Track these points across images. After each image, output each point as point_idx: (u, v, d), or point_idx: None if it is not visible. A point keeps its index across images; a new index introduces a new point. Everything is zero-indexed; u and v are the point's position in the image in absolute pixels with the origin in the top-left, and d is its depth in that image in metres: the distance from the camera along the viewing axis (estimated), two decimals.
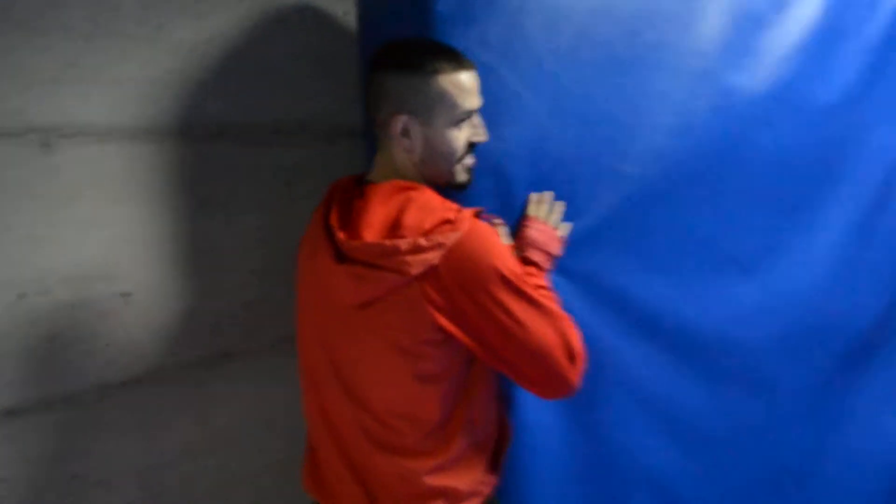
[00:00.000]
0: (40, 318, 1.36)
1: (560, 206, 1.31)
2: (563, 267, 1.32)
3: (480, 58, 1.21)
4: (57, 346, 1.38)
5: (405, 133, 1.13)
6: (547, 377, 1.11)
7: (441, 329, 1.07)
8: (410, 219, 1.06)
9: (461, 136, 1.14)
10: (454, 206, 1.10)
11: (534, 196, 1.30)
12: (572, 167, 1.31)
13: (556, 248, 1.28)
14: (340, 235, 1.10)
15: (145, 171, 1.44)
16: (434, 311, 1.06)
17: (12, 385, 1.35)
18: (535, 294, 1.09)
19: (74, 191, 1.36)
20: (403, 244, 1.04)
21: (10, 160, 1.29)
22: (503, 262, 1.07)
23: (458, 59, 1.12)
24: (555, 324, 1.09)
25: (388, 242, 1.05)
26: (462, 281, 1.05)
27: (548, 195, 1.31)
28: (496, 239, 1.10)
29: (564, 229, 1.32)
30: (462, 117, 1.13)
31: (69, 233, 1.36)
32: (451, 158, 1.15)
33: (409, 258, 1.04)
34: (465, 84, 1.12)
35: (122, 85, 1.38)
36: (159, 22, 1.42)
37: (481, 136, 1.18)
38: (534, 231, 1.27)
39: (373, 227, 1.07)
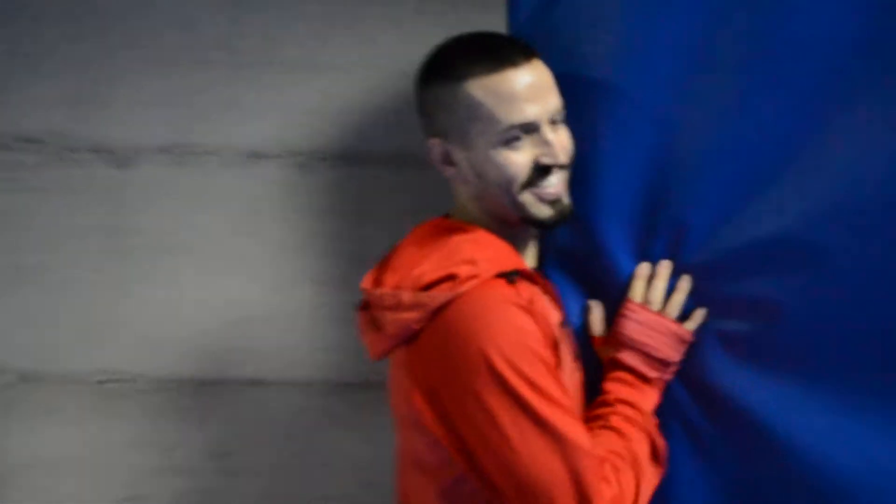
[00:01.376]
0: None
1: (684, 286, 0.94)
2: None
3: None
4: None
5: (447, 161, 0.91)
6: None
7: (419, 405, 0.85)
8: (420, 268, 0.85)
9: (517, 159, 0.86)
10: (487, 262, 0.85)
11: (642, 268, 0.95)
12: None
13: (669, 350, 0.92)
14: (367, 276, 0.94)
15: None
16: (411, 383, 0.86)
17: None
18: (542, 407, 0.79)
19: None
20: (387, 297, 0.86)
21: (214, 172, 1.37)
22: (500, 349, 0.79)
23: (498, 56, 0.85)
24: (564, 453, 0.78)
25: (376, 292, 0.88)
26: (442, 360, 0.82)
27: (664, 268, 0.95)
28: (508, 314, 0.82)
29: (694, 320, 0.94)
30: (510, 136, 0.85)
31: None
32: (508, 188, 0.87)
33: (388, 315, 0.86)
34: (507, 89, 0.84)
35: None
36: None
37: (552, 155, 0.87)
38: (632, 323, 0.93)
39: (396, 271, 0.88)
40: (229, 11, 1.33)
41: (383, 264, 0.92)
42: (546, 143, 0.86)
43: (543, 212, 0.89)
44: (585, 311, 0.99)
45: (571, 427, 0.80)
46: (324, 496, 1.42)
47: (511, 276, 0.85)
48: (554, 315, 0.92)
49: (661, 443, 0.91)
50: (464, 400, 0.80)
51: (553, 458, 0.78)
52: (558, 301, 0.96)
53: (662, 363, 0.92)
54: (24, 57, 1.36)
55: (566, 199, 0.91)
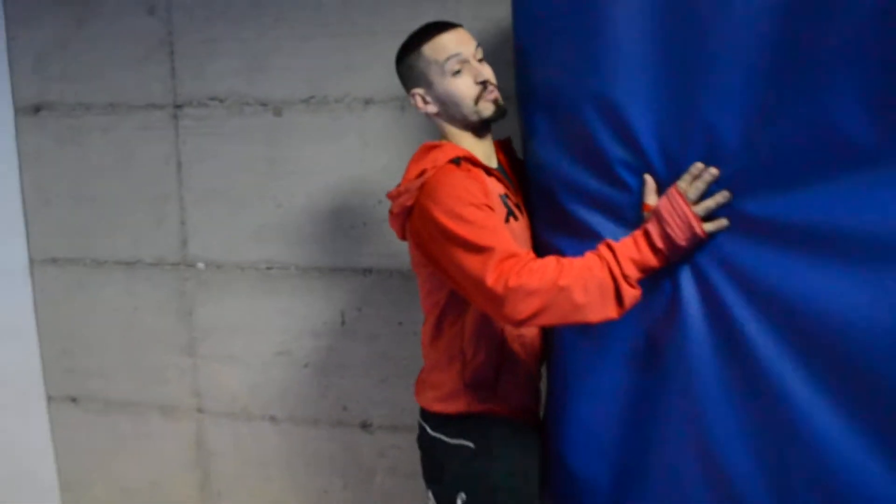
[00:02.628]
0: None
1: (720, 197, 1.11)
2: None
3: None
4: None
5: (424, 102, 1.35)
6: (483, 303, 1.19)
7: (417, 254, 1.32)
8: (411, 171, 1.32)
9: (462, 82, 1.30)
10: (444, 157, 1.28)
11: (696, 167, 1.13)
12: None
13: (682, 235, 1.12)
14: None
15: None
16: (412, 239, 1.31)
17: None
18: (470, 234, 1.17)
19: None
20: (394, 191, 1.32)
21: (340, 115, 1.93)
22: (440, 205, 1.21)
23: (435, 28, 1.32)
24: (489, 257, 1.15)
25: (392, 191, 1.33)
26: (420, 219, 1.26)
27: (708, 174, 1.12)
28: (449, 180, 1.23)
29: (714, 224, 1.13)
30: (454, 68, 1.30)
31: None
32: (465, 101, 1.31)
33: (396, 201, 1.32)
34: (444, 43, 1.30)
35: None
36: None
37: (481, 73, 1.31)
38: (665, 202, 1.14)
39: (404, 180, 1.33)
40: None
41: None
42: (475, 69, 1.31)
43: (489, 108, 1.32)
44: (643, 183, 1.19)
45: (493, 240, 1.16)
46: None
47: (457, 161, 1.28)
48: (497, 187, 1.33)
49: (625, 287, 1.14)
50: (433, 243, 1.24)
51: (479, 262, 1.15)
52: (505, 183, 1.37)
53: (671, 239, 1.12)
54: (212, 42, 1.97)
55: (501, 101, 1.34)
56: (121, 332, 2.18)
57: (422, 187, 1.26)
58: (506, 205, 1.33)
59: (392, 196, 1.34)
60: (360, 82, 1.88)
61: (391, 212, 1.36)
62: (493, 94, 1.33)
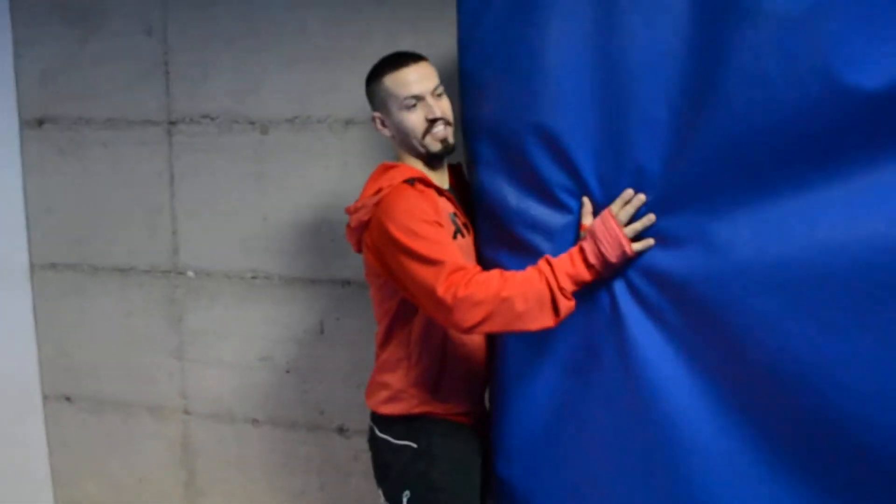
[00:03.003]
0: None
1: (646, 220, 1.25)
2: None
3: None
4: None
5: (382, 124, 1.48)
6: (433, 311, 1.30)
7: (374, 268, 1.42)
8: (368, 189, 1.43)
9: (414, 117, 1.41)
10: (399, 177, 1.39)
11: (627, 193, 1.26)
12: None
13: (614, 252, 1.24)
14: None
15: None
16: (368, 251, 1.41)
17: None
18: (421, 248, 1.28)
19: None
20: (353, 206, 1.44)
21: (322, 135, 2.07)
22: (394, 221, 1.32)
23: (399, 61, 1.42)
24: (438, 270, 1.27)
25: (350, 206, 1.45)
26: (377, 234, 1.36)
27: (638, 199, 1.25)
28: (403, 198, 1.35)
29: (642, 244, 1.26)
30: (409, 103, 1.40)
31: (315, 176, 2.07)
32: (414, 134, 1.42)
33: (353, 217, 1.43)
34: (405, 78, 1.40)
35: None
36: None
37: (432, 112, 1.40)
38: (599, 224, 1.27)
39: (362, 196, 1.44)
40: (330, 16, 1.96)
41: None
42: (429, 106, 1.41)
43: (436, 146, 1.43)
44: (581, 205, 1.32)
45: (443, 255, 1.28)
46: None
47: (411, 181, 1.39)
48: (447, 206, 1.45)
49: (561, 298, 1.25)
50: (388, 255, 1.34)
51: (431, 274, 1.27)
52: (455, 204, 1.49)
53: (603, 257, 1.25)
54: (205, 63, 2.09)
55: (451, 140, 1.45)
56: (114, 336, 2.30)
57: (378, 203, 1.38)
58: (454, 223, 1.45)
59: (350, 211, 1.45)
60: (342, 104, 1.99)
61: (349, 226, 1.47)
62: (442, 132, 1.43)
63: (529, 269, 1.29)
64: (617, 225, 1.25)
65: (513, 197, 1.36)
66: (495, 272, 1.29)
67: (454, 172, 1.62)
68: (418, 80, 1.41)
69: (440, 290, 1.25)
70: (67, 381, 2.37)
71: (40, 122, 2.26)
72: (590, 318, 1.30)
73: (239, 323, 2.18)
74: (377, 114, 1.48)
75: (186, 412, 2.28)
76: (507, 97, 1.34)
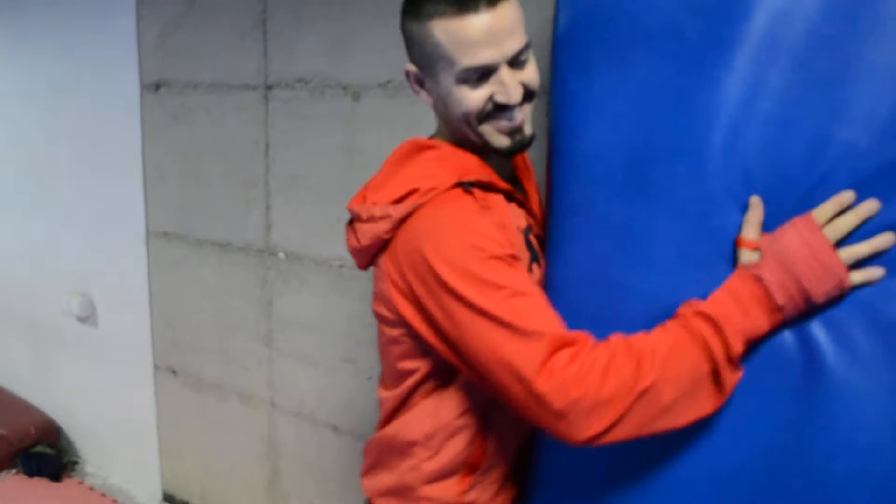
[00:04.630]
0: None
1: (881, 240, 0.78)
2: None
3: None
4: None
5: (421, 85, 0.98)
6: (527, 410, 0.82)
7: (400, 313, 0.92)
8: (392, 183, 0.93)
9: (475, 96, 0.90)
10: (447, 176, 0.91)
11: (845, 195, 0.78)
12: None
13: (822, 289, 0.78)
14: (356, 195, 1.00)
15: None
16: (390, 284, 0.93)
17: None
18: (485, 301, 0.82)
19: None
20: (363, 211, 0.94)
21: (416, 101, 1.81)
22: (443, 256, 0.85)
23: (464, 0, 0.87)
24: (509, 338, 0.81)
25: (355, 207, 0.95)
26: (409, 266, 0.89)
27: (865, 208, 0.78)
28: (461, 226, 0.87)
29: (863, 275, 0.78)
30: (468, 76, 0.89)
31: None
32: (468, 119, 0.92)
33: (363, 227, 0.94)
34: (468, 34, 0.86)
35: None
36: None
37: (506, 95, 0.89)
38: (798, 238, 0.79)
39: (375, 189, 0.96)
40: None
41: (369, 183, 1.00)
42: (501, 83, 0.89)
43: (501, 141, 0.94)
44: (746, 206, 0.82)
45: (537, 318, 0.82)
46: None
47: (467, 186, 0.90)
48: (519, 220, 0.98)
49: (728, 372, 0.79)
50: (432, 306, 0.87)
51: (519, 350, 0.80)
52: (531, 211, 1.02)
53: (804, 294, 0.77)
54: (300, 20, 1.83)
55: (527, 130, 0.95)
56: (213, 313, 2.18)
57: (412, 219, 0.90)
58: (528, 245, 0.98)
59: (358, 214, 0.97)
60: None
61: (353, 240, 0.99)
62: (514, 122, 0.92)
63: (674, 328, 0.80)
64: (829, 245, 0.77)
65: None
66: (619, 342, 0.81)
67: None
68: (492, 38, 0.87)
69: (539, 383, 0.79)
70: (173, 354, 2.31)
71: (157, 87, 2.17)
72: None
73: (326, 316, 1.93)
74: (413, 68, 0.97)
75: (273, 405, 2.09)
76: None
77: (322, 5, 1.78)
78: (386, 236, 0.92)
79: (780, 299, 0.77)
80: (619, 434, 0.78)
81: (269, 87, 1.92)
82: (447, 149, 0.97)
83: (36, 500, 2.41)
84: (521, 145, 0.96)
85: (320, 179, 1.87)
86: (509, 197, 0.98)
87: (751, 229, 0.81)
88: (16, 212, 2.72)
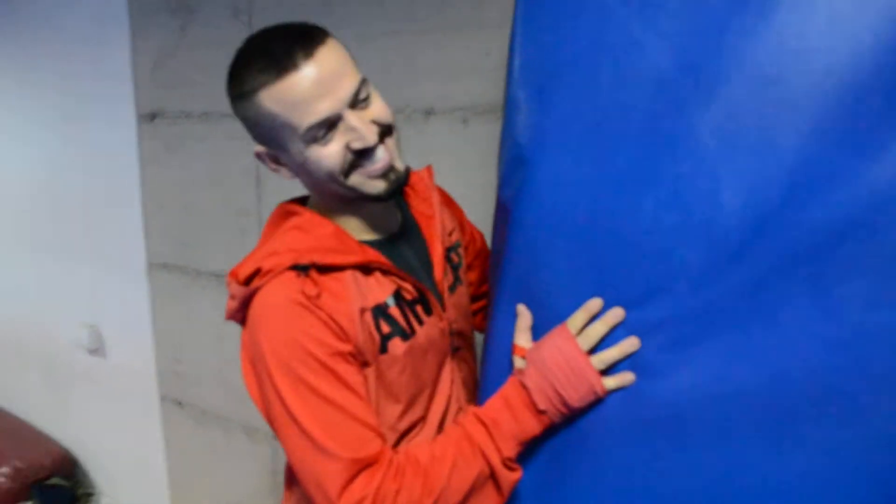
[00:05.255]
0: None
1: (627, 345, 0.80)
2: None
3: None
4: None
5: (277, 162, 0.91)
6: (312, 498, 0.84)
7: (246, 384, 0.91)
8: (249, 257, 0.90)
9: (330, 152, 0.84)
10: (287, 255, 0.86)
11: (593, 303, 0.82)
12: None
13: (577, 395, 0.81)
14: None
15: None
16: (246, 359, 0.90)
17: None
18: (300, 410, 0.81)
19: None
20: (228, 284, 0.91)
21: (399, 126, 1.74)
22: (274, 351, 0.83)
23: (279, 61, 0.81)
24: (315, 456, 0.82)
25: (227, 279, 0.91)
26: (250, 345, 0.87)
27: (613, 315, 0.80)
28: (287, 314, 0.83)
29: (616, 380, 0.81)
30: (314, 135, 0.83)
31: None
32: (333, 178, 0.86)
33: (228, 301, 0.91)
34: (296, 94, 0.80)
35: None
36: None
37: (360, 139, 0.83)
38: (554, 348, 0.83)
39: (252, 253, 0.92)
40: None
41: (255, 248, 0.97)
42: (351, 129, 0.83)
43: (377, 187, 0.88)
44: (515, 315, 0.89)
45: (341, 439, 0.81)
46: None
47: (302, 269, 0.85)
48: (377, 294, 0.91)
49: (504, 475, 0.85)
50: (262, 395, 0.87)
51: (321, 465, 0.81)
52: (402, 275, 0.93)
53: (560, 399, 0.82)
54: None
55: (399, 166, 0.89)
56: (214, 345, 2.15)
57: (252, 300, 0.86)
58: (388, 320, 0.91)
59: (228, 282, 0.91)
60: (422, 91, 1.56)
61: (226, 311, 0.93)
62: (382, 161, 0.86)
63: (456, 436, 0.86)
64: (579, 352, 0.81)
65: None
66: (409, 459, 0.85)
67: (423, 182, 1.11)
68: (323, 89, 0.81)
69: (323, 497, 0.82)
70: (178, 386, 2.29)
71: (152, 117, 2.15)
72: None
73: None
74: (262, 148, 0.90)
75: (276, 438, 2.05)
76: None
77: None
78: (238, 315, 0.90)
79: (542, 404, 0.83)
80: None
81: None
82: (306, 217, 0.93)
83: None
84: (399, 184, 0.89)
85: None
86: (366, 270, 0.91)
87: (521, 336, 0.88)
88: (25, 245, 2.74)
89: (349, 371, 0.86)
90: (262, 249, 0.90)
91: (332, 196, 0.92)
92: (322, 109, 0.82)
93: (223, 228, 2.04)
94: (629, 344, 0.80)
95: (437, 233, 1.04)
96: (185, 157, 2.09)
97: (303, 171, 0.89)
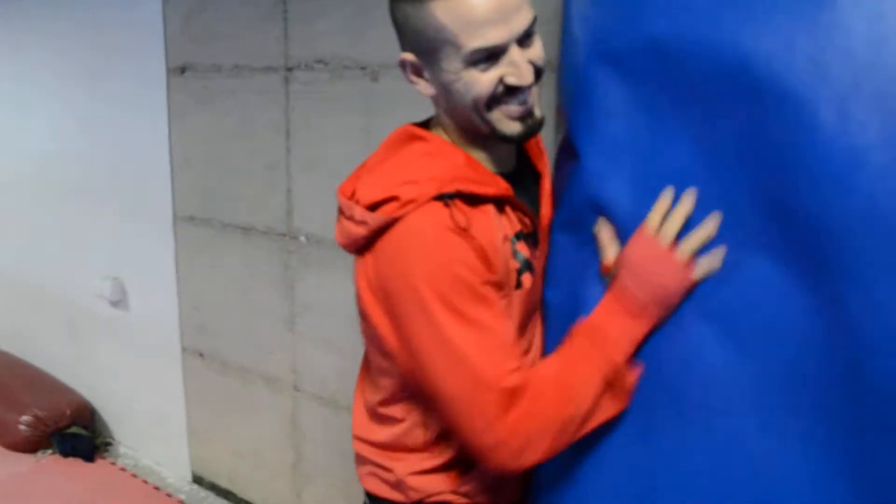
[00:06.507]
0: None
1: (706, 228, 0.85)
2: None
3: None
4: None
5: (418, 74, 0.90)
6: (465, 438, 0.88)
7: (366, 311, 0.91)
8: (371, 180, 0.91)
9: (484, 80, 0.84)
10: (430, 184, 0.85)
11: (663, 199, 0.87)
12: None
13: (665, 281, 0.85)
14: (346, 181, 0.98)
15: None
16: (366, 286, 0.90)
17: None
18: (455, 332, 0.83)
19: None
20: (346, 207, 0.92)
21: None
22: (424, 276, 0.83)
23: None
24: (468, 379, 0.83)
25: (342, 200, 0.93)
26: (385, 276, 0.88)
27: (685, 202, 0.86)
28: (438, 241, 0.84)
29: (706, 265, 0.85)
30: (475, 58, 0.82)
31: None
32: (475, 106, 0.86)
33: (345, 223, 0.92)
34: (475, 13, 0.80)
35: None
36: None
37: (518, 76, 0.84)
38: (633, 248, 0.88)
39: (360, 181, 0.93)
40: None
41: (359, 170, 0.98)
42: (512, 63, 0.83)
43: (513, 128, 0.88)
44: (594, 233, 0.93)
45: (493, 363, 0.84)
46: None
47: (447, 198, 0.85)
48: (506, 228, 0.92)
49: (622, 374, 0.88)
50: (404, 314, 0.86)
51: (469, 387, 0.83)
52: (525, 209, 0.95)
53: (660, 292, 0.85)
54: (317, 2, 1.80)
55: (538, 113, 0.90)
56: (237, 296, 2.18)
57: (391, 230, 0.86)
58: (515, 255, 0.93)
59: (342, 209, 0.93)
60: None
61: (337, 234, 0.95)
62: (527, 104, 0.87)
63: (571, 352, 0.89)
64: (664, 247, 0.86)
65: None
66: (547, 375, 0.88)
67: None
68: (500, 16, 0.80)
69: (488, 431, 0.85)
70: (200, 338, 2.33)
71: (182, 70, 2.17)
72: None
73: (348, 300, 1.91)
74: (411, 57, 0.89)
75: (296, 389, 2.09)
76: None
77: None
78: (363, 241, 0.90)
79: (643, 298, 0.86)
80: (551, 454, 0.87)
81: (289, 69, 1.91)
82: (437, 143, 0.93)
83: (70, 480, 2.46)
84: (533, 130, 0.90)
85: (340, 162, 1.84)
86: (500, 203, 0.92)
87: (607, 251, 0.92)
88: (51, 197, 2.77)
89: (498, 300, 0.88)
90: (392, 175, 0.89)
91: (464, 124, 0.91)
92: (494, 36, 0.81)
93: (250, 182, 2.07)
94: (707, 229, 0.84)
95: (547, 170, 1.05)
96: (215, 110, 2.11)
97: (445, 91, 0.88)
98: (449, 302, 0.82)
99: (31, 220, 2.90)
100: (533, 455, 0.86)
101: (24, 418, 2.57)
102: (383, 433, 1.03)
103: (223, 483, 2.40)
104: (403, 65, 0.91)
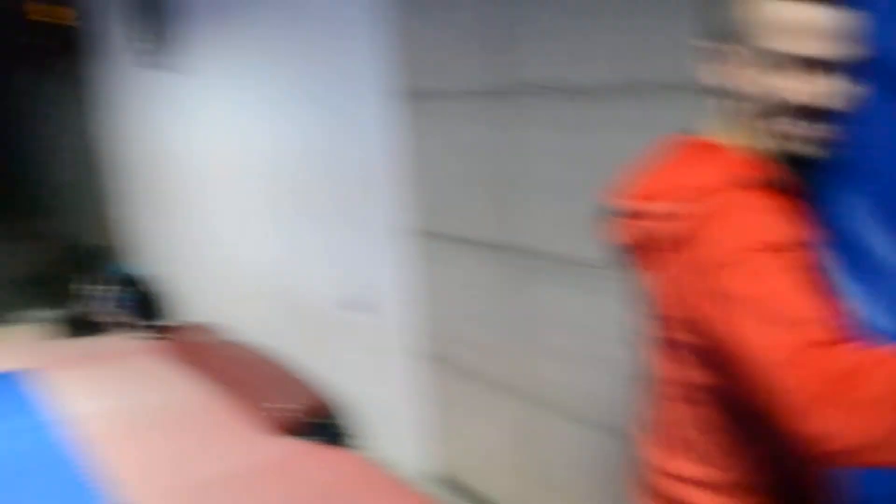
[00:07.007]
0: None
1: None
2: None
3: None
4: None
5: (721, 62, 0.92)
6: (769, 403, 0.75)
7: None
8: (678, 181, 0.91)
9: (803, 89, 0.85)
10: (731, 175, 0.87)
11: None
12: None
13: None
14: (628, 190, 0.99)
15: None
16: (690, 289, 0.86)
17: None
18: (772, 295, 0.77)
19: None
20: (641, 208, 0.93)
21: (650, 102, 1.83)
22: (750, 243, 0.80)
23: None
24: (792, 338, 0.74)
25: (631, 203, 0.95)
26: (706, 261, 0.83)
27: None
28: (753, 215, 0.83)
29: None
30: (780, 61, 0.84)
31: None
32: (781, 113, 0.87)
33: (657, 222, 0.91)
34: (797, 19, 0.83)
35: None
36: None
37: (832, 98, 0.84)
38: None
39: (666, 184, 0.94)
40: None
41: (643, 181, 0.98)
42: (815, 82, 0.86)
43: (797, 147, 0.89)
44: None
45: (804, 305, 0.76)
46: None
47: (762, 184, 0.87)
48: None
49: None
50: (704, 299, 0.82)
51: (777, 337, 0.74)
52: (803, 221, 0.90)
53: None
54: (541, 29, 1.84)
55: (825, 146, 0.89)
56: (476, 308, 2.32)
57: (709, 216, 0.84)
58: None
59: (635, 211, 0.94)
60: (677, 64, 1.55)
61: (622, 236, 0.98)
62: (821, 131, 0.87)
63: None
64: None
65: None
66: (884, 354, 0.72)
67: None
68: (838, 34, 0.83)
69: (791, 377, 0.71)
70: (439, 344, 2.50)
71: (413, 94, 2.34)
72: None
73: (578, 313, 1.96)
74: (740, 48, 0.89)
75: (530, 397, 2.17)
76: None
77: (562, 11, 1.81)
78: (684, 232, 0.86)
79: None
80: (878, 456, 0.68)
81: (517, 94, 1.99)
82: (734, 156, 0.91)
83: (321, 467, 2.75)
84: (808, 162, 0.88)
85: (568, 180, 1.89)
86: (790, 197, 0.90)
87: None
88: (301, 216, 3.12)
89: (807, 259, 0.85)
90: (693, 176, 0.90)
91: (753, 129, 0.91)
92: (815, 45, 0.83)
93: (481, 199, 2.18)
94: None
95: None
96: (446, 131, 2.25)
97: (752, 87, 0.89)
98: (792, 269, 0.79)
99: (280, 238, 3.29)
100: (854, 427, 0.68)
101: (293, 406, 2.95)
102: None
103: (463, 482, 2.56)
104: (720, 53, 0.93)
